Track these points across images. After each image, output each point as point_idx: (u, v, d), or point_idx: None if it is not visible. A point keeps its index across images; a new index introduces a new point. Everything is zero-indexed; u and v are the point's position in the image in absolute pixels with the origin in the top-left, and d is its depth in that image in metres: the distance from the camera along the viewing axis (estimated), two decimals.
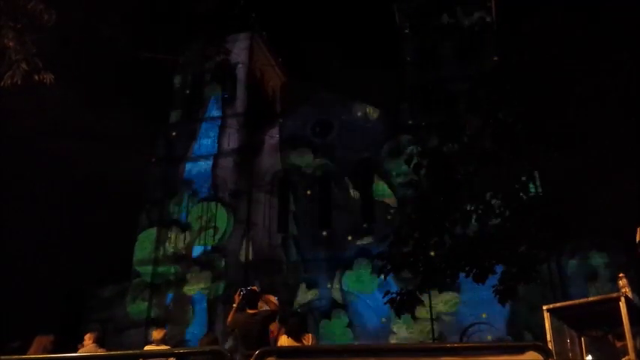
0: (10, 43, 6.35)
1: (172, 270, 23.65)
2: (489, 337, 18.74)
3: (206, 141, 26.02)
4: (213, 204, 24.46)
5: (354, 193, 23.62)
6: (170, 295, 23.33)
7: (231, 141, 25.82)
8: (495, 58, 20.51)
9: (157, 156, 26.30)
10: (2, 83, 6.26)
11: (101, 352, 6.68)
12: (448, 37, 22.79)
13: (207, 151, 25.75)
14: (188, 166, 25.71)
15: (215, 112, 26.75)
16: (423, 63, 24.07)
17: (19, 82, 6.24)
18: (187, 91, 27.64)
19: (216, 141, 25.91)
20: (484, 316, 19.17)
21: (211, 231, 23.97)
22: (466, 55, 23.01)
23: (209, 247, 23.79)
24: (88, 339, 7.05)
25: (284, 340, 6.41)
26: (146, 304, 23.14)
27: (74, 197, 25.99)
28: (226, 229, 23.90)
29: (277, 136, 25.42)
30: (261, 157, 25.29)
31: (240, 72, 27.50)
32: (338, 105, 25.07)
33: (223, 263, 23.25)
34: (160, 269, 23.70)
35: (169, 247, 24.18)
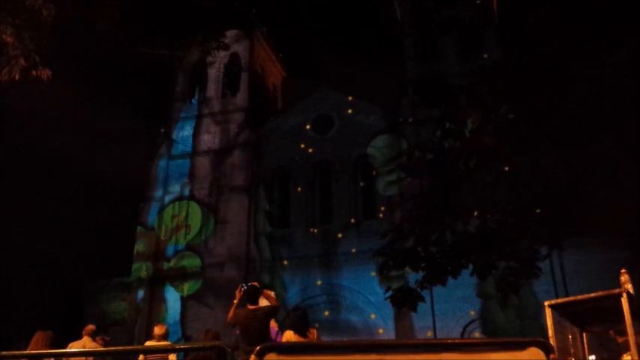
0: (9, 39, 6.31)
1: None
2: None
3: (198, 138, 25.97)
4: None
5: (354, 188, 23.54)
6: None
7: (225, 138, 25.69)
8: (489, 54, 20.43)
9: (155, 153, 26.24)
10: (0, 79, 6.24)
11: (95, 346, 6.70)
12: (449, 32, 22.67)
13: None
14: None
15: (214, 108, 26.65)
16: (424, 58, 23.98)
17: (16, 78, 6.22)
18: (186, 88, 27.52)
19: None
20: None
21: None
22: (468, 50, 22.92)
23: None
24: (85, 333, 7.08)
25: (290, 335, 6.37)
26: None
27: (72, 195, 26.03)
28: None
29: (273, 131, 25.34)
30: (254, 154, 25.12)
31: (240, 67, 27.39)
32: (338, 100, 24.95)
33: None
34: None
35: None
